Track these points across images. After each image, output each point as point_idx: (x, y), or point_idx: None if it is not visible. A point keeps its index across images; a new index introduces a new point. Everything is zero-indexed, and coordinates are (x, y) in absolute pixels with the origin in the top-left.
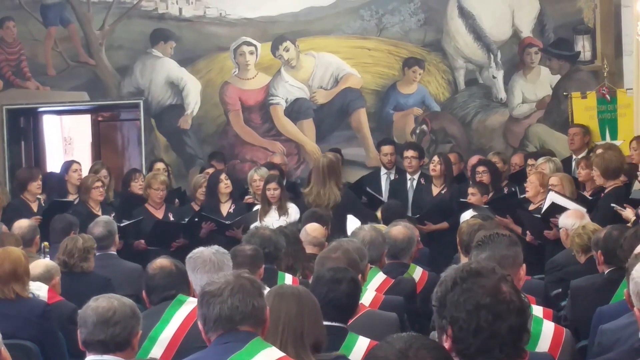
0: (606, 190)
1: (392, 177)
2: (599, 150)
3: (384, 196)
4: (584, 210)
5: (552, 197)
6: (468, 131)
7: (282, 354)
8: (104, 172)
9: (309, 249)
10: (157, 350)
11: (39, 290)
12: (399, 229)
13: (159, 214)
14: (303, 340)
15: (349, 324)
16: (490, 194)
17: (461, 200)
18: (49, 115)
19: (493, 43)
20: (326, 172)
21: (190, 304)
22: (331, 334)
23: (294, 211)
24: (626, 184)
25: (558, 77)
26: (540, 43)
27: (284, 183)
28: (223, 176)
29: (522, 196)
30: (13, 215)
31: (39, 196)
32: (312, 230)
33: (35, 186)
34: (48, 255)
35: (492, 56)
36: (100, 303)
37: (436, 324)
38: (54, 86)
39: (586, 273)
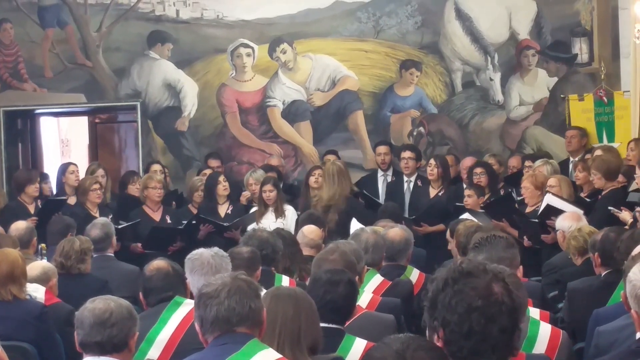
0: (604, 192)
1: (389, 179)
2: (597, 153)
3: (381, 198)
4: (580, 212)
5: (548, 199)
6: (465, 133)
7: (279, 355)
8: (100, 171)
9: (306, 251)
10: (154, 351)
11: (36, 292)
12: (395, 231)
13: (157, 216)
14: (300, 342)
15: (346, 325)
16: (487, 196)
17: (457, 204)
18: (46, 117)
19: (490, 45)
20: (336, 177)
21: (187, 305)
22: (328, 336)
23: (290, 213)
24: (623, 186)
25: (555, 79)
26: (537, 45)
27: (281, 185)
28: (221, 178)
29: (519, 198)
30: (10, 217)
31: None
32: (309, 232)
33: (33, 189)
34: (45, 257)
35: (489, 58)
36: (97, 304)
37: (427, 324)
38: (51, 88)
39: (583, 275)
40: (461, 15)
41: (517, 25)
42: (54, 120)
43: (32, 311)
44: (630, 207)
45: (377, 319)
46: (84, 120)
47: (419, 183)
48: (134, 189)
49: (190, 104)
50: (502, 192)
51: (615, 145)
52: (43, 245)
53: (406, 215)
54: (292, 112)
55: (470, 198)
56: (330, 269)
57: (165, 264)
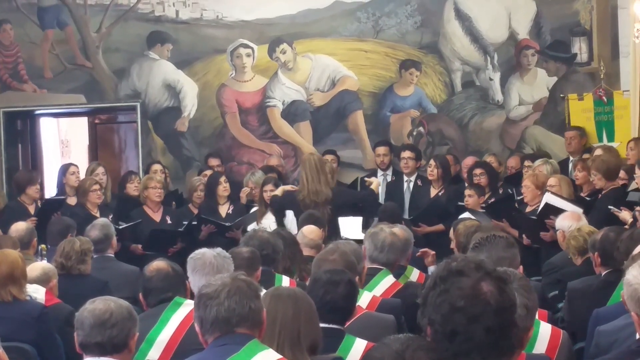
0: (604, 192)
1: (389, 179)
2: (597, 152)
3: (381, 198)
4: (580, 211)
5: (547, 198)
6: (465, 133)
7: (279, 356)
8: (100, 169)
9: (306, 251)
10: (154, 352)
11: (36, 292)
12: (396, 231)
13: (157, 217)
14: (300, 342)
15: (346, 326)
16: (487, 195)
17: (459, 204)
18: (46, 118)
19: (490, 45)
20: (315, 170)
21: (187, 306)
22: (328, 336)
23: (291, 214)
24: (623, 185)
25: (555, 79)
26: (536, 45)
27: (281, 185)
28: (222, 179)
29: (518, 198)
30: (10, 217)
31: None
32: (309, 232)
33: (34, 190)
34: (45, 258)
35: (488, 58)
36: (97, 305)
37: (420, 322)
38: (51, 89)
39: (583, 275)
40: (461, 15)
41: (517, 25)
42: (53, 121)
43: (32, 312)
44: (630, 206)
45: (377, 319)
46: (83, 121)
47: (419, 183)
48: (132, 188)
49: (190, 105)
50: (500, 192)
51: (615, 144)
52: (43, 246)
53: (406, 215)
54: (292, 112)
55: (470, 198)
56: (330, 269)
57: (165, 265)
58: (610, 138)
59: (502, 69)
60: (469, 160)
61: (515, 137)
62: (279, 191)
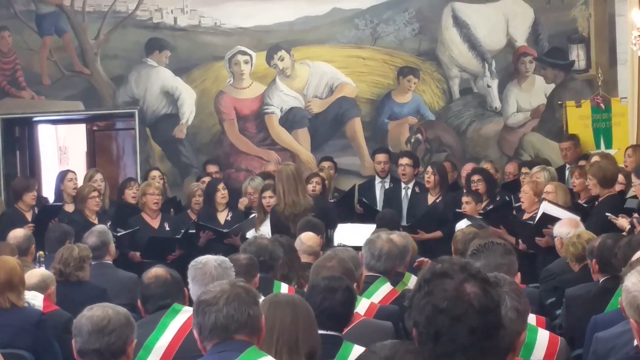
0: (600, 199)
1: (387, 186)
2: (595, 159)
3: (379, 205)
4: (578, 218)
5: (545, 207)
6: (463, 140)
7: None
8: (99, 176)
9: (304, 258)
10: (153, 359)
11: (35, 299)
12: (393, 238)
13: (155, 223)
14: (298, 349)
15: (344, 332)
16: (485, 202)
17: (456, 210)
18: (44, 125)
19: (487, 52)
20: (291, 180)
21: (185, 312)
22: (326, 343)
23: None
24: (620, 193)
25: (552, 86)
26: (534, 52)
27: None
28: (221, 186)
29: (516, 205)
30: (7, 224)
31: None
32: (307, 239)
33: (31, 197)
34: (43, 265)
35: (486, 65)
36: (95, 312)
37: (406, 324)
38: (49, 96)
39: (581, 282)
40: (459, 22)
41: (515, 32)
42: (51, 128)
43: (30, 319)
44: (628, 213)
45: (375, 326)
46: (81, 128)
47: (417, 190)
48: (130, 195)
49: (188, 112)
50: (498, 199)
51: (612, 151)
52: (41, 252)
53: (404, 221)
54: (290, 119)
55: (468, 205)
56: (328, 276)
57: (163, 272)
58: (608, 145)
59: (500, 76)
60: (468, 167)
61: (513, 144)
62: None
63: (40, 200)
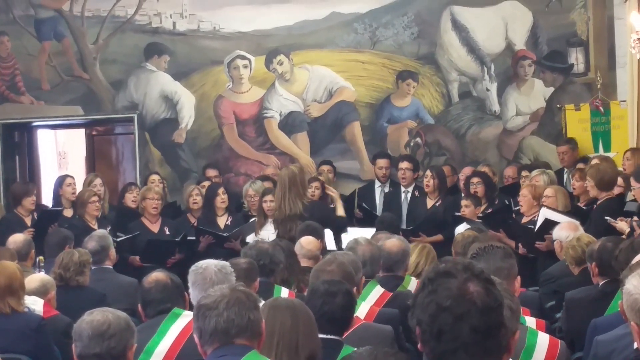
0: (599, 202)
1: (387, 190)
2: (594, 162)
3: (378, 209)
4: (577, 222)
5: (545, 213)
6: (462, 144)
7: None
8: (98, 180)
9: (304, 262)
10: None
11: (35, 304)
12: (393, 242)
13: (155, 228)
14: (298, 353)
15: (344, 336)
16: (484, 206)
17: (455, 214)
18: (43, 130)
19: (487, 56)
20: (286, 184)
21: (186, 317)
22: (326, 347)
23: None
24: (619, 195)
25: (551, 89)
26: (533, 55)
27: None
28: (221, 190)
29: (515, 208)
30: (7, 229)
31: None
32: (307, 243)
33: (30, 202)
34: (43, 270)
35: (485, 69)
36: (95, 317)
37: (410, 323)
38: (48, 100)
39: (580, 285)
40: (457, 26)
41: (513, 35)
42: (51, 133)
43: (30, 324)
44: (627, 216)
45: (375, 330)
46: (81, 133)
47: (417, 194)
48: (130, 199)
49: (187, 116)
50: (496, 202)
51: (611, 155)
52: (41, 257)
53: (404, 225)
54: (289, 124)
55: (467, 208)
56: (328, 280)
57: (163, 276)
58: (607, 148)
59: (499, 79)
60: (467, 171)
61: (513, 148)
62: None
63: (39, 205)
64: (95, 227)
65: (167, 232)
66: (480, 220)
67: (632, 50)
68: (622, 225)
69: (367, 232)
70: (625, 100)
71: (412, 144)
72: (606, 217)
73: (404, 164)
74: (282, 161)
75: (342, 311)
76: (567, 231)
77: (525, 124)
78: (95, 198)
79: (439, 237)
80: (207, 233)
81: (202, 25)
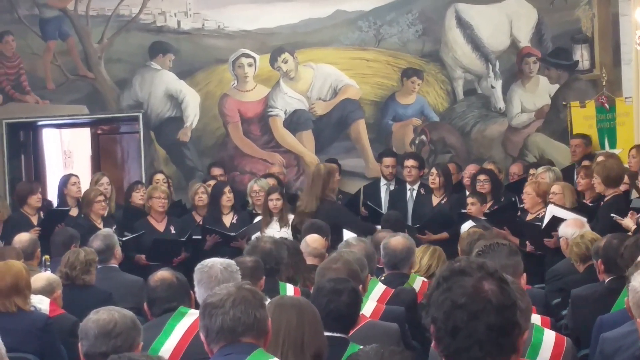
0: (606, 199)
1: (392, 188)
2: (600, 158)
3: (384, 207)
4: (584, 219)
5: (552, 210)
6: (467, 141)
7: None
8: (105, 179)
9: (310, 260)
10: None
11: (41, 303)
12: (398, 240)
13: (161, 227)
14: (303, 351)
15: (350, 334)
16: (490, 203)
17: (461, 211)
18: (48, 129)
19: (491, 53)
20: (311, 181)
21: (191, 315)
22: (332, 345)
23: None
24: (626, 192)
25: (557, 86)
26: (538, 52)
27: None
28: (227, 189)
29: (521, 206)
30: (13, 228)
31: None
32: (313, 241)
33: (35, 199)
34: (49, 269)
35: (490, 66)
36: (101, 315)
37: (424, 321)
38: (53, 100)
39: (586, 282)
40: (462, 24)
41: (518, 32)
42: (56, 132)
43: (36, 323)
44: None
45: (381, 327)
46: (86, 132)
47: (422, 191)
48: (138, 197)
49: (192, 115)
50: (503, 200)
51: (617, 151)
52: (47, 256)
53: (409, 223)
54: (294, 122)
55: (473, 206)
56: (334, 277)
57: (169, 275)
58: (612, 145)
59: (504, 76)
60: (471, 168)
61: (518, 145)
62: None
63: (45, 202)
64: (101, 226)
65: (173, 231)
66: (485, 218)
67: (637, 46)
68: (628, 222)
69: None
70: (630, 97)
71: (417, 141)
72: (612, 215)
73: (410, 162)
74: (287, 159)
75: (348, 309)
76: (572, 228)
77: (530, 121)
78: (101, 197)
79: (444, 234)
80: (213, 232)
81: (207, 24)
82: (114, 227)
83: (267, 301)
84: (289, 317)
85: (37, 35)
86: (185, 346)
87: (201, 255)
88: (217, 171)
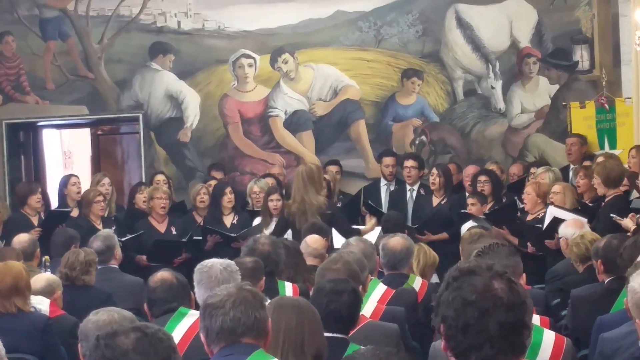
0: (607, 199)
1: (392, 188)
2: (600, 159)
3: (384, 207)
4: (584, 220)
5: (553, 212)
6: (467, 142)
7: None
8: (106, 180)
9: (310, 261)
10: None
11: (41, 304)
12: (396, 240)
13: (162, 228)
14: (304, 352)
15: (350, 335)
16: (490, 204)
17: (462, 211)
18: (48, 130)
19: (491, 53)
20: (306, 180)
21: (191, 316)
22: (332, 345)
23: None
24: (626, 193)
25: (557, 86)
26: (538, 53)
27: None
28: (228, 190)
29: (521, 206)
30: (13, 229)
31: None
32: (313, 241)
33: (35, 200)
34: (49, 270)
35: (490, 66)
36: (101, 317)
37: (433, 323)
38: (53, 100)
39: (585, 282)
40: (462, 24)
41: (518, 33)
42: (56, 133)
43: (36, 323)
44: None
45: (381, 328)
46: (86, 132)
47: (422, 192)
48: (141, 199)
49: (193, 115)
50: (504, 200)
51: (617, 152)
52: (47, 257)
53: (409, 224)
54: (294, 122)
55: (473, 206)
56: (334, 278)
57: (169, 275)
58: (612, 145)
59: (504, 77)
60: (470, 169)
61: (518, 145)
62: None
63: (47, 202)
64: (100, 227)
65: (174, 232)
66: (484, 217)
67: (637, 47)
68: (627, 222)
69: (373, 231)
70: (630, 98)
71: (417, 142)
72: (611, 215)
73: (409, 163)
74: (287, 160)
75: (348, 310)
76: (572, 228)
77: (530, 122)
78: (100, 198)
79: (444, 235)
80: (214, 232)
81: (207, 24)
82: (113, 228)
83: (267, 302)
84: (289, 317)
85: (37, 36)
86: (185, 347)
87: (202, 256)
88: (217, 175)
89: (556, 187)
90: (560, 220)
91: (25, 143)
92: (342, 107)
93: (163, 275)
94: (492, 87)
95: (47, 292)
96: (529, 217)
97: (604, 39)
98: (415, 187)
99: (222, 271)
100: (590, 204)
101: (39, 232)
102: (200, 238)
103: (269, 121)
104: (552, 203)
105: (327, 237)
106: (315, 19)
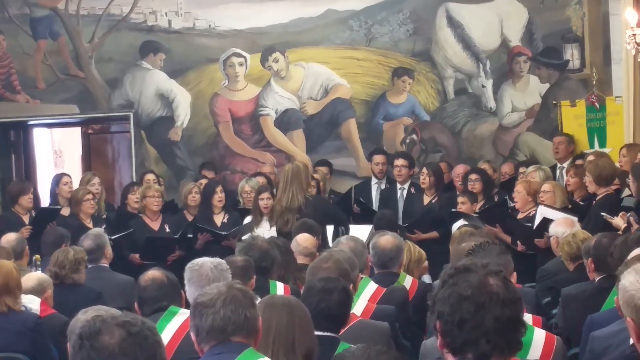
0: (598, 198)
1: (383, 187)
2: (591, 158)
3: (375, 206)
4: (574, 218)
5: (543, 212)
6: (458, 140)
7: None
8: (96, 179)
9: (300, 259)
10: None
11: (32, 303)
12: (387, 239)
13: (155, 225)
14: (294, 350)
15: (340, 333)
16: (481, 202)
17: (452, 210)
18: (39, 129)
19: (482, 52)
20: (289, 178)
21: (182, 315)
22: (323, 344)
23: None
24: (617, 190)
25: (547, 85)
26: (529, 52)
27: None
28: (219, 188)
29: (512, 204)
30: (5, 228)
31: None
32: (303, 240)
33: (27, 199)
34: (40, 269)
35: (481, 65)
36: (89, 316)
37: (429, 321)
38: (43, 99)
39: (576, 281)
40: (453, 23)
41: (509, 32)
42: (47, 132)
43: (27, 322)
44: (625, 212)
45: (371, 326)
46: (77, 131)
47: (412, 190)
48: (133, 199)
49: (183, 114)
50: (496, 199)
51: (607, 150)
52: (37, 256)
53: (400, 222)
54: (285, 121)
55: (463, 205)
56: (324, 277)
57: (160, 274)
58: (602, 144)
59: (495, 76)
60: (460, 169)
61: (508, 144)
62: None
63: (37, 200)
64: (90, 225)
65: (168, 230)
66: (476, 215)
67: (627, 46)
68: (618, 221)
69: (365, 229)
70: (620, 96)
71: (407, 140)
72: (602, 213)
73: (400, 161)
74: (278, 159)
75: (339, 308)
76: (563, 227)
77: (521, 120)
78: (89, 196)
79: (434, 234)
80: (205, 230)
81: (198, 23)
82: (103, 227)
83: (258, 300)
84: (280, 316)
85: (27, 35)
86: (175, 346)
87: (194, 254)
88: (208, 174)
89: (546, 186)
90: (550, 221)
91: (15, 142)
92: (332, 105)
93: (153, 274)
94: (483, 86)
95: (37, 291)
96: (520, 216)
97: (594, 38)
98: (406, 186)
99: (213, 270)
100: (581, 203)
101: (30, 230)
102: (191, 236)
103: (259, 120)
104: (542, 202)
105: (318, 235)
106: (305, 18)
